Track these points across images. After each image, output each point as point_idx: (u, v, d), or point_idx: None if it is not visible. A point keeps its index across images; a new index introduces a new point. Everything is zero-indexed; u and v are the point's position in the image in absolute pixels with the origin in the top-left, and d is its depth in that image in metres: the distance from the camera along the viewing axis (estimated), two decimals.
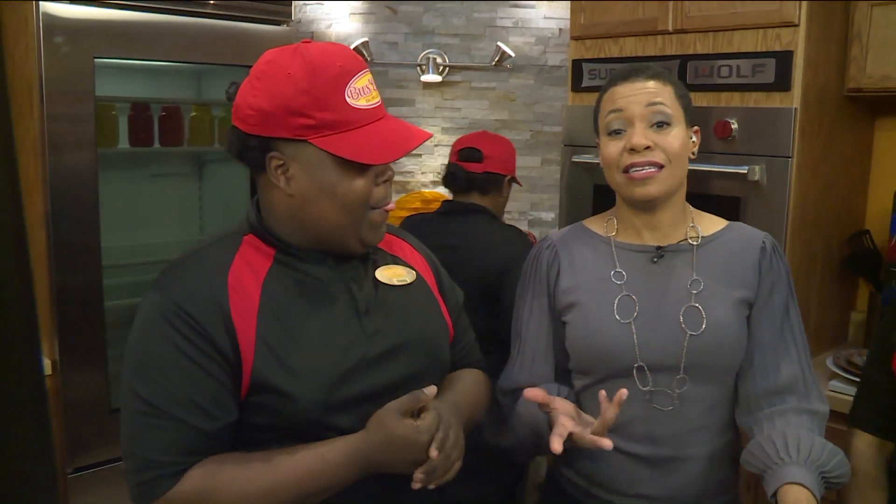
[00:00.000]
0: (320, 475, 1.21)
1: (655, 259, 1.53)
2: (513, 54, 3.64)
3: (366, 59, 3.73)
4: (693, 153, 1.53)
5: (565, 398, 1.47)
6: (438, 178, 3.62)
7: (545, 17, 3.68)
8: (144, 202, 3.30)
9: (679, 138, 1.47)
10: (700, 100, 2.52)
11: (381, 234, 1.36)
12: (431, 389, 1.24)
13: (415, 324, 1.39)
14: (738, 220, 2.40)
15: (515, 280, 1.70)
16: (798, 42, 2.32)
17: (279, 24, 3.06)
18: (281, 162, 1.26)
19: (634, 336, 1.47)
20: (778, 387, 1.48)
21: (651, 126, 1.46)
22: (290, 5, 3.12)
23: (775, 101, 2.37)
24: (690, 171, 2.38)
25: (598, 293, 1.52)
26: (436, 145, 3.77)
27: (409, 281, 1.42)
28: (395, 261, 1.45)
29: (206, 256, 1.30)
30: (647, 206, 1.51)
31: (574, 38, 2.88)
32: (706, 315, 1.46)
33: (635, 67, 1.52)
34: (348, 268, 1.35)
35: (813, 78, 2.38)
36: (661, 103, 1.46)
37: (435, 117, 3.76)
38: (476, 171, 2.60)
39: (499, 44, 3.62)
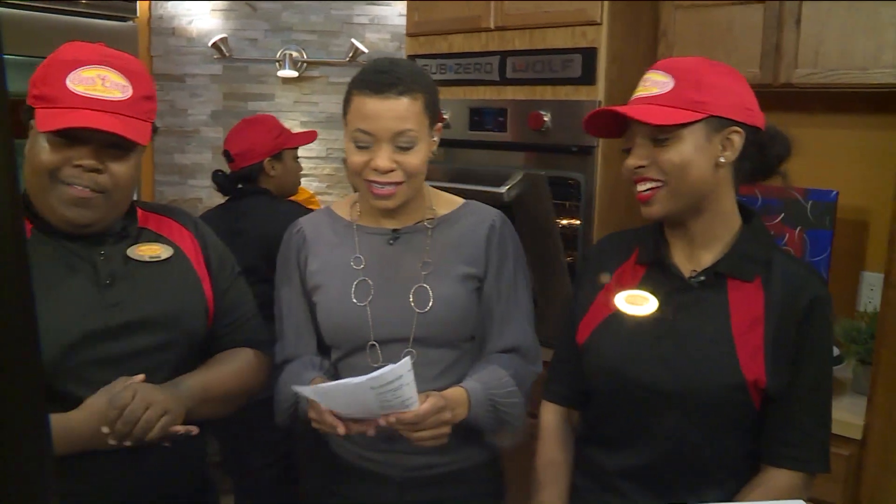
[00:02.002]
0: None
1: (391, 241, 1.65)
2: (366, 50, 3.76)
3: (224, 55, 3.80)
4: (433, 152, 1.61)
5: (325, 369, 1.65)
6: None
7: (400, 15, 3.80)
8: None
9: (420, 156, 1.54)
10: (518, 93, 2.68)
11: (81, 214, 1.40)
12: (139, 376, 1.36)
13: (163, 297, 1.49)
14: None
15: None
16: (601, 39, 2.49)
17: (125, 20, 3.10)
18: (32, 130, 1.40)
19: (369, 317, 1.60)
20: (503, 348, 1.65)
21: (396, 147, 1.52)
22: (135, 2, 3.16)
23: (582, 94, 2.53)
24: None
25: (339, 277, 1.64)
26: None
27: (163, 257, 1.52)
28: (158, 238, 1.55)
29: None
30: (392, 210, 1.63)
31: (409, 35, 3.01)
32: (433, 293, 1.60)
33: (387, 80, 1.50)
34: (99, 244, 1.45)
35: (618, 73, 2.54)
36: (408, 130, 1.50)
37: (294, 111, 3.85)
38: (234, 170, 2.79)
39: (352, 40, 3.73)
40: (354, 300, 1.61)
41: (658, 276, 1.51)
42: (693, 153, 1.40)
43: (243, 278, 1.70)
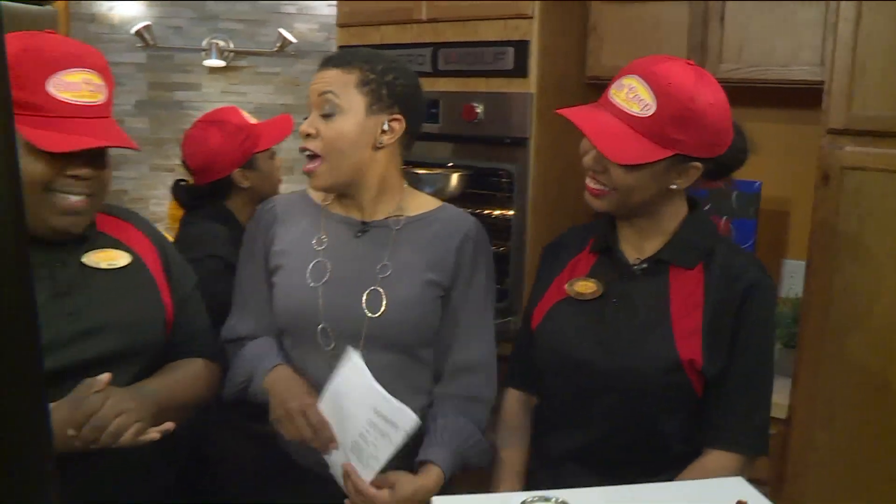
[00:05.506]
0: None
1: (359, 234, 1.62)
2: (294, 41, 3.72)
3: (147, 43, 3.71)
4: (380, 142, 1.55)
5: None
6: None
7: (328, 5, 3.78)
8: None
9: (340, 129, 1.51)
10: (450, 85, 2.68)
11: (76, 222, 1.38)
12: (105, 376, 1.29)
13: (121, 305, 1.45)
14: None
15: None
16: (533, 33, 2.51)
17: (42, 4, 2.99)
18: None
19: (320, 298, 1.56)
20: (461, 365, 1.62)
21: (322, 114, 1.53)
22: None
23: (515, 86, 2.56)
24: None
25: (299, 257, 1.60)
26: None
27: (120, 264, 1.47)
28: (116, 244, 1.50)
29: None
30: (330, 192, 1.62)
31: (340, 26, 2.98)
32: (387, 297, 1.55)
33: (335, 55, 1.59)
34: (57, 251, 1.40)
35: (550, 66, 2.58)
36: (329, 93, 1.51)
37: (222, 102, 3.78)
38: (201, 185, 2.26)
39: (280, 30, 3.69)
40: (309, 280, 1.58)
41: (606, 264, 1.57)
42: (646, 181, 1.43)
43: (199, 291, 1.65)
